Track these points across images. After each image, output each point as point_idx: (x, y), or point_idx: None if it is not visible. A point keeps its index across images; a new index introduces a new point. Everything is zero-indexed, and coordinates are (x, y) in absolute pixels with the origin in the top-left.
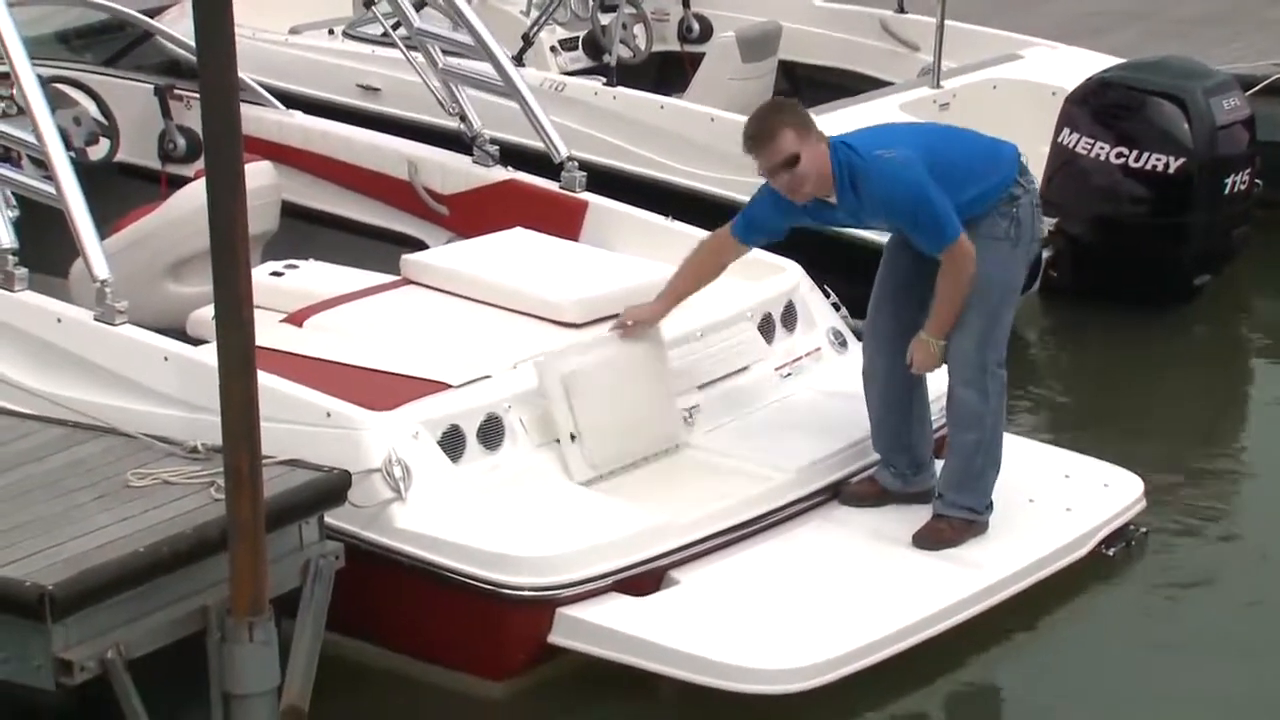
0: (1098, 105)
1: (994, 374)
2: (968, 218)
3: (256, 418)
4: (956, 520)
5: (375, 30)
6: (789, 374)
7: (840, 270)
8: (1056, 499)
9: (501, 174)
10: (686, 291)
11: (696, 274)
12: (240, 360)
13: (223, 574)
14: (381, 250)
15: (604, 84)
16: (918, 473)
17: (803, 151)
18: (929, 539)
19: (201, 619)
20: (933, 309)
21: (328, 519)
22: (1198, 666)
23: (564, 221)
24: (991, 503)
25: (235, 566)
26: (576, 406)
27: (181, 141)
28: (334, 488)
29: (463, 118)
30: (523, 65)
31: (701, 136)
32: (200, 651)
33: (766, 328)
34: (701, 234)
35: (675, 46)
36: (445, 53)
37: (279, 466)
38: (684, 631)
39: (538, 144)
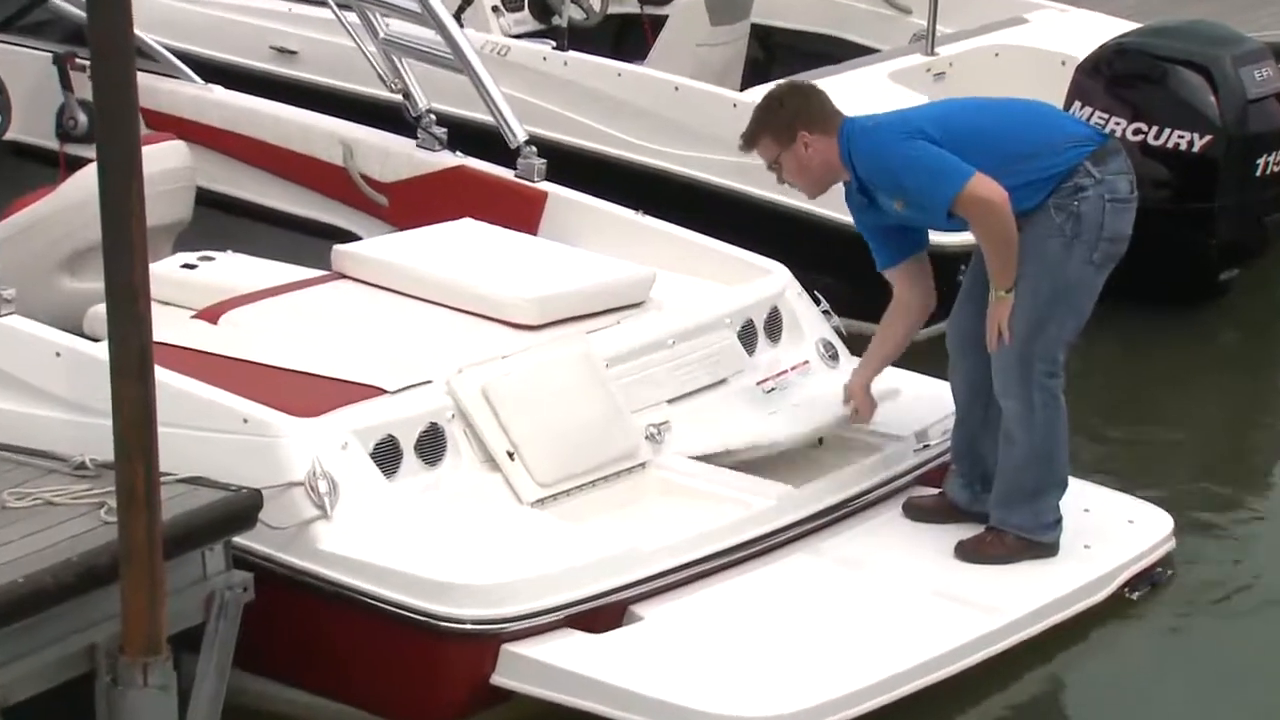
0: (1112, 75)
1: (1041, 385)
2: (1015, 212)
3: (153, 429)
4: (1009, 537)
5: None
6: (773, 389)
7: (833, 270)
8: (1074, 535)
9: (450, 160)
10: (887, 358)
11: (890, 336)
12: (135, 361)
13: (114, 608)
14: (311, 245)
15: (553, 48)
16: (985, 488)
17: (784, 156)
18: (969, 548)
19: (89, 659)
20: (986, 264)
21: (236, 543)
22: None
23: (520, 214)
24: (1056, 521)
25: (128, 599)
26: (506, 421)
27: (83, 118)
28: (243, 509)
29: (406, 94)
30: (461, 25)
31: (664, 109)
32: (88, 697)
33: (748, 336)
34: (674, 229)
35: (634, 8)
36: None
37: (179, 485)
38: (646, 673)
39: (486, 118)
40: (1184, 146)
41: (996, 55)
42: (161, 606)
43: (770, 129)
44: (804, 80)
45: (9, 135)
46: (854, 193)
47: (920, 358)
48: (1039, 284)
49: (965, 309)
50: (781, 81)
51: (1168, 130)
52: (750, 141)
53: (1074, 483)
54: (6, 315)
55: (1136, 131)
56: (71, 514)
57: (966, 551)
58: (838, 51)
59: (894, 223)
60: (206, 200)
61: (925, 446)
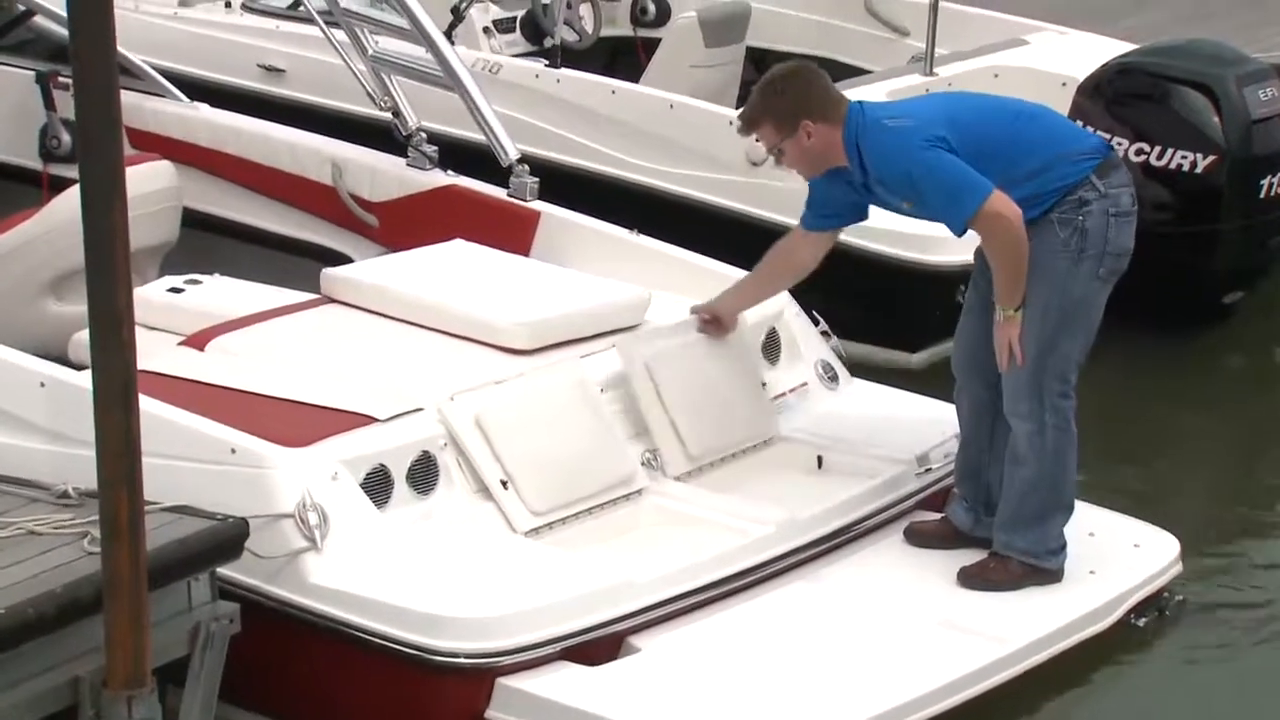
0: (1114, 95)
1: (1053, 406)
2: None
3: (137, 457)
4: (1013, 563)
5: (279, 2)
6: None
7: (831, 291)
8: (1079, 560)
9: (441, 179)
10: (757, 296)
11: (769, 276)
12: (119, 389)
13: (97, 640)
14: (300, 266)
15: (545, 66)
16: (989, 512)
17: (786, 143)
18: (972, 574)
19: (72, 692)
20: (994, 282)
21: (224, 572)
22: None
23: (512, 234)
24: (1060, 548)
25: (112, 631)
26: (499, 449)
27: (66, 137)
28: (229, 539)
29: (396, 113)
30: (452, 43)
31: (659, 127)
32: None
33: None
34: (669, 249)
35: (628, 31)
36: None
37: (164, 514)
38: (643, 707)
39: (477, 136)
40: (1187, 167)
41: (996, 76)
42: (146, 638)
43: (772, 116)
44: (804, 64)
45: None
46: (837, 174)
47: (921, 379)
48: (1048, 302)
49: (969, 328)
50: (781, 65)
51: (1170, 151)
52: (750, 126)
53: (1080, 507)
54: None
55: (1139, 152)
56: (54, 544)
57: (969, 577)
58: (833, 74)
59: (856, 199)
60: (193, 221)
61: (927, 470)
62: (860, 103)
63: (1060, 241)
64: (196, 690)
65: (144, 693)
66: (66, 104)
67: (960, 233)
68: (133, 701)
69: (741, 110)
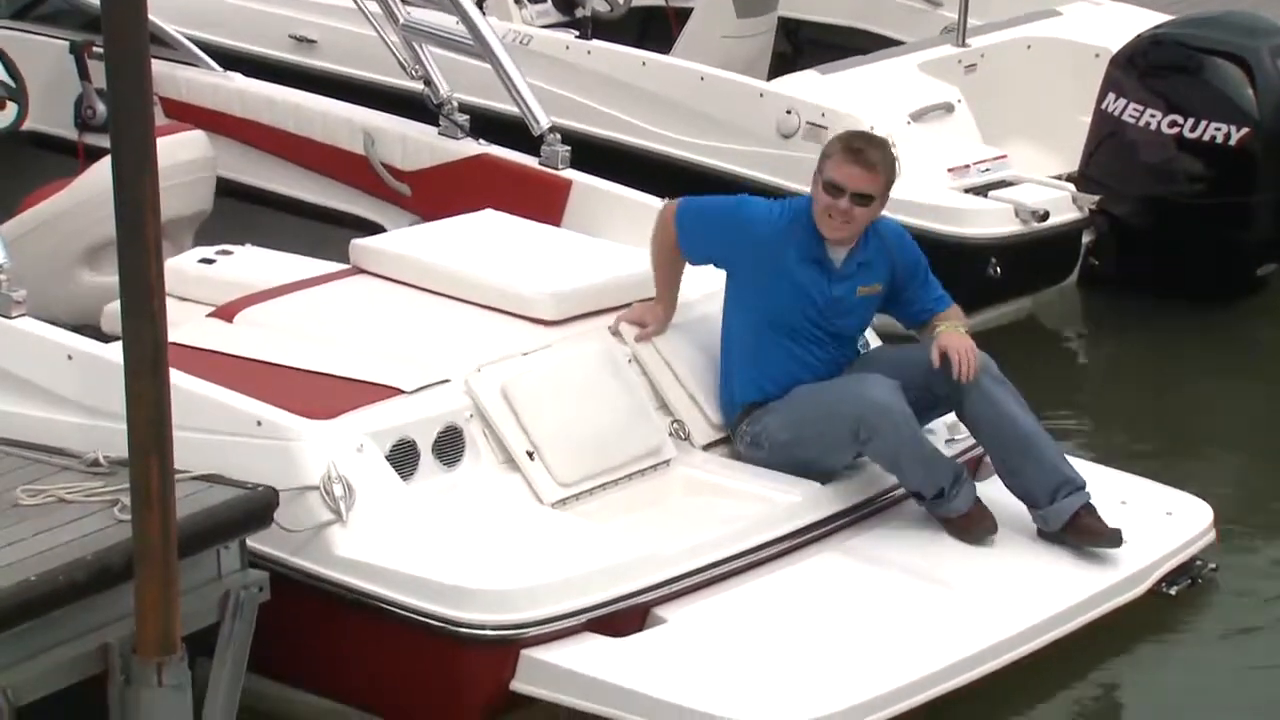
0: (1147, 67)
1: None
2: None
3: (168, 426)
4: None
5: None
6: None
7: None
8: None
9: (472, 148)
10: (676, 281)
11: (675, 273)
12: (150, 359)
13: (128, 607)
14: (333, 235)
15: (576, 37)
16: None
17: (876, 204)
18: (1083, 530)
19: (103, 659)
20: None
21: (251, 544)
22: None
23: (544, 203)
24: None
25: (142, 598)
26: (526, 420)
27: (101, 107)
28: (258, 507)
29: (427, 82)
30: (483, 14)
31: (690, 99)
32: (101, 697)
33: None
34: None
35: (659, 1)
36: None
37: (194, 483)
38: (669, 678)
39: (508, 107)
40: (1220, 139)
41: (1029, 47)
42: (176, 605)
43: (889, 177)
44: None
45: (28, 125)
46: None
47: None
48: None
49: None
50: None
51: (1204, 122)
52: (873, 170)
53: (1110, 474)
54: (18, 317)
55: (1172, 124)
56: (84, 511)
57: (1083, 535)
58: (866, 44)
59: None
60: (227, 190)
61: (953, 440)
62: None
63: None
64: (226, 657)
65: (174, 660)
66: (100, 74)
67: (906, 320)
68: (163, 668)
69: (872, 154)
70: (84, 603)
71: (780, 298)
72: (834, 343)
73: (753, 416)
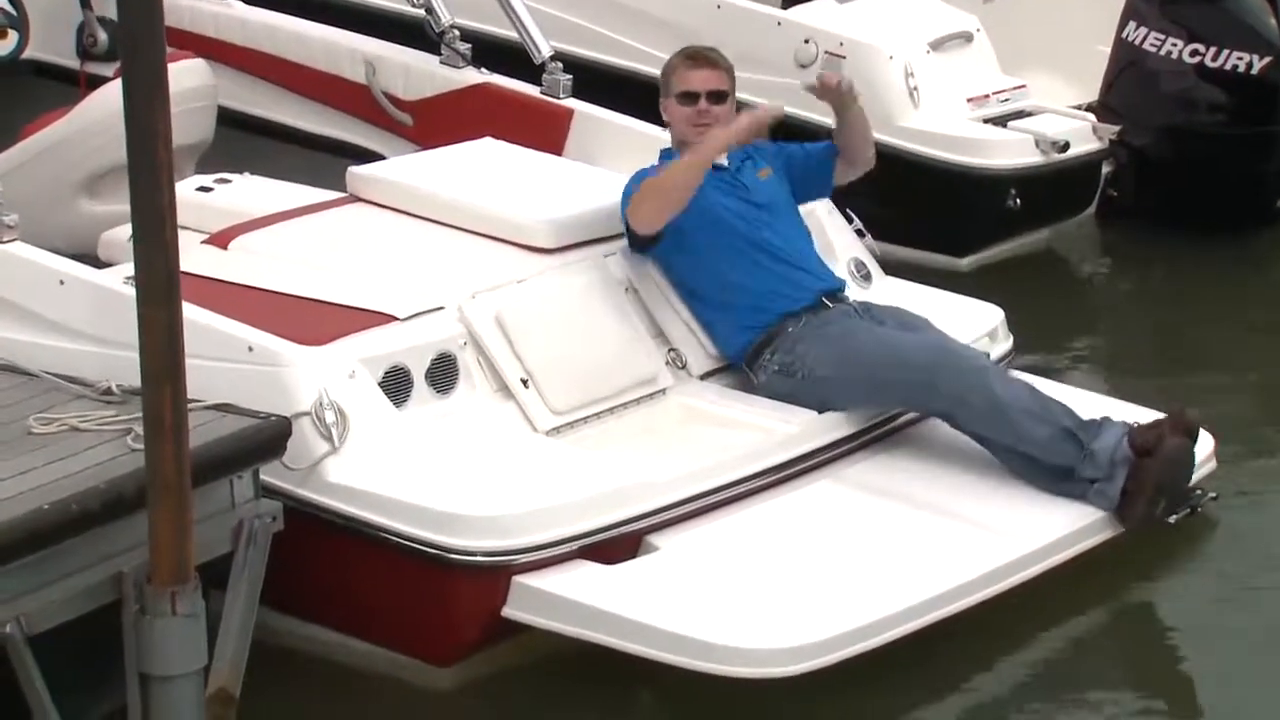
0: None
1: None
2: None
3: (180, 354)
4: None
5: None
6: None
7: (865, 190)
8: None
9: (474, 77)
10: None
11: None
12: (163, 287)
13: (141, 536)
14: (334, 165)
15: None
16: None
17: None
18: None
19: (116, 588)
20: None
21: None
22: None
23: (546, 132)
24: None
25: (156, 527)
26: (520, 348)
27: (103, 36)
28: (272, 437)
29: (428, 9)
30: None
31: (703, 27)
32: (115, 626)
33: None
34: None
35: None
36: None
37: (207, 412)
38: (662, 605)
39: (510, 34)
40: (1243, 68)
41: None
42: (189, 534)
43: (732, 74)
44: None
45: (28, 54)
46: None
47: (969, 283)
48: None
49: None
50: None
51: (1226, 51)
52: (716, 68)
53: (1112, 403)
54: (9, 242)
55: (1194, 53)
56: (97, 440)
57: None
58: None
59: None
60: (228, 120)
61: None
62: None
63: None
64: (240, 586)
65: (188, 588)
66: (103, 2)
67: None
68: (177, 597)
69: (710, 54)
70: (97, 531)
71: (710, 219)
72: (781, 235)
73: (779, 345)
